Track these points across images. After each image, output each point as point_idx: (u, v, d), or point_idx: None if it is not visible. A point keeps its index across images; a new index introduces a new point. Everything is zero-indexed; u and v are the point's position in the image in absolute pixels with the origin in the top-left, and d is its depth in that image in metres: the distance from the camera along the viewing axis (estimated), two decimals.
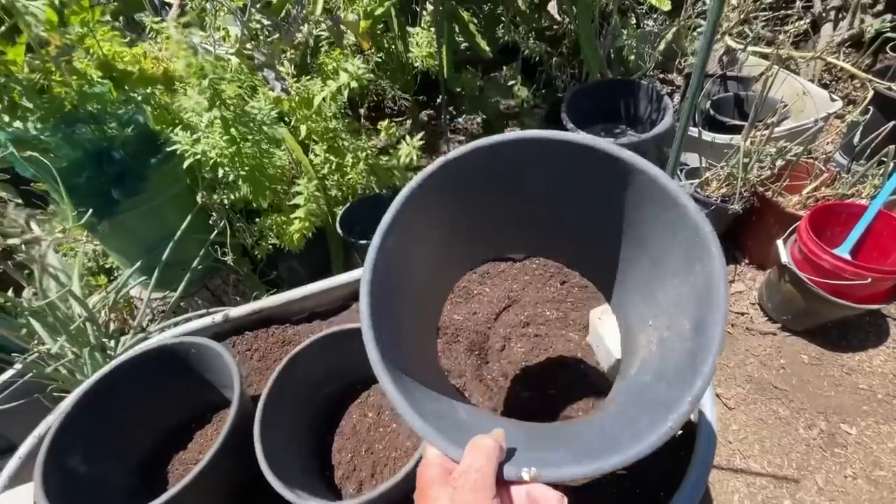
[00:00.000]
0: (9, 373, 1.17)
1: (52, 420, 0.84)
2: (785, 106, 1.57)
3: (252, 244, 1.51)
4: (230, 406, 0.72)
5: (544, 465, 0.36)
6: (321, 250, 1.89)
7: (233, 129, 1.18)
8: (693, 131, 1.73)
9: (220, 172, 1.23)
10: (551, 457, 0.39)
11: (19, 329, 1.16)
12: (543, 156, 0.51)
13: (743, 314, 1.66)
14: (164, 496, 0.60)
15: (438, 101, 2.36)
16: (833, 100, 1.79)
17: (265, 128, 1.18)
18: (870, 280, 1.24)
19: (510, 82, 2.18)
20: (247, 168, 1.24)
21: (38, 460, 0.66)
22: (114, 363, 0.79)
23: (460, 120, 2.76)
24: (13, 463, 0.81)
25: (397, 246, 0.51)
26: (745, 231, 1.78)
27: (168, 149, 1.17)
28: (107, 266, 1.74)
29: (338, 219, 1.77)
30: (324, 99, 1.54)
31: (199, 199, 1.23)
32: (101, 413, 0.77)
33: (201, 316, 1.09)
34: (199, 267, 1.43)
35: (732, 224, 1.69)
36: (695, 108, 1.92)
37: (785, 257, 1.44)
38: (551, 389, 0.88)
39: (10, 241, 0.94)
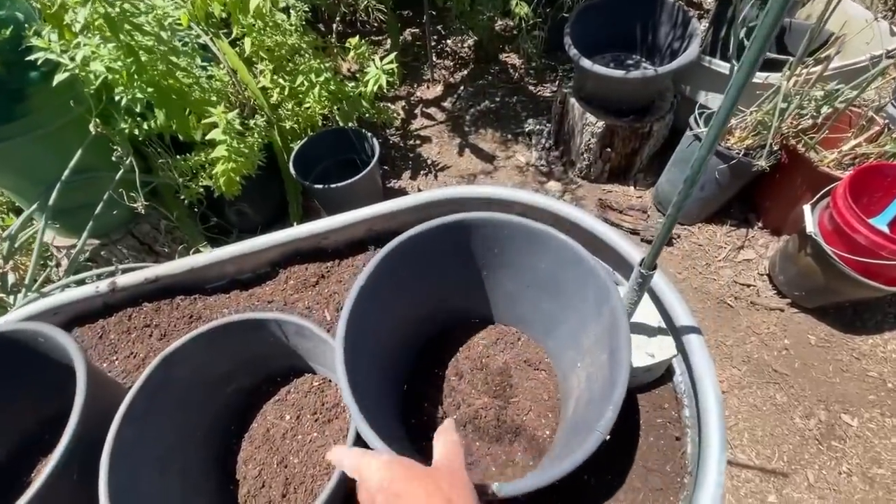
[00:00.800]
0: None
1: None
2: (838, 37, 1.27)
3: (182, 185, 1.26)
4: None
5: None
6: (276, 191, 1.64)
7: (124, 35, 0.89)
8: (722, 66, 1.43)
9: (117, 94, 0.95)
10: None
11: None
12: (478, 230, 0.63)
13: (749, 286, 1.47)
14: None
15: (424, 17, 1.98)
16: (894, 33, 1.47)
17: (163, 34, 0.89)
18: None
19: None
20: (151, 90, 0.96)
21: None
22: None
23: (449, 42, 2.37)
24: None
25: (365, 308, 0.56)
26: (764, 190, 1.54)
27: (28, 57, 0.88)
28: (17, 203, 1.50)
29: (291, 157, 1.51)
30: (265, 1, 1.21)
31: (92, 128, 0.97)
32: None
33: (95, 278, 0.88)
34: (115, 211, 1.20)
35: (750, 182, 1.45)
36: (731, 37, 1.59)
37: (811, 226, 1.22)
38: (514, 397, 0.70)
39: None
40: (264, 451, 0.69)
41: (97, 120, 0.96)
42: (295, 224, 1.38)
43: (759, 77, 1.33)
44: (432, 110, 2.07)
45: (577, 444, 0.46)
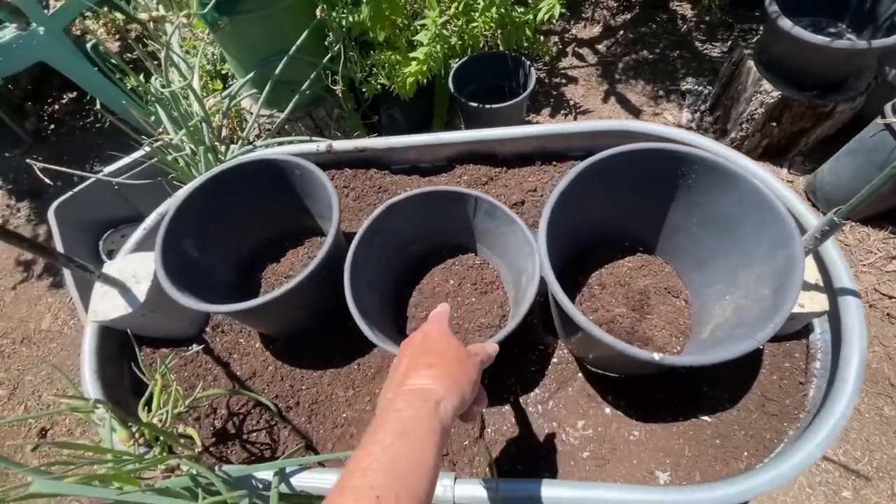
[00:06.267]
0: (139, 153, 1.28)
1: (170, 203, 0.92)
2: None
3: (361, 80, 1.42)
4: (325, 235, 0.72)
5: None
6: (425, 104, 1.77)
7: None
8: None
9: None
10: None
11: (149, 115, 1.23)
12: (675, 162, 0.66)
13: (890, 297, 1.38)
14: (258, 300, 0.64)
15: None
16: None
17: None
18: None
19: None
20: None
21: (158, 235, 0.71)
22: (223, 166, 0.81)
23: None
24: (139, 232, 0.91)
25: (567, 199, 0.66)
26: None
27: None
28: (223, 72, 1.77)
29: (451, 72, 1.60)
30: None
31: (318, 12, 1.12)
32: (209, 209, 0.81)
33: (306, 141, 1.07)
34: (307, 92, 1.39)
35: None
36: None
37: None
38: (649, 314, 0.79)
39: (141, 16, 0.92)
40: (431, 301, 0.85)
41: (324, 6, 1.12)
42: None
43: None
44: (584, 51, 2.02)
45: (732, 346, 0.52)
